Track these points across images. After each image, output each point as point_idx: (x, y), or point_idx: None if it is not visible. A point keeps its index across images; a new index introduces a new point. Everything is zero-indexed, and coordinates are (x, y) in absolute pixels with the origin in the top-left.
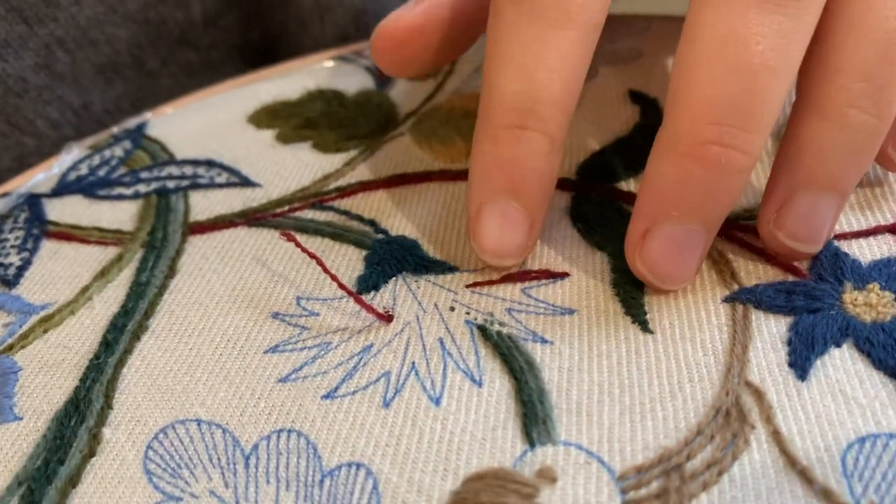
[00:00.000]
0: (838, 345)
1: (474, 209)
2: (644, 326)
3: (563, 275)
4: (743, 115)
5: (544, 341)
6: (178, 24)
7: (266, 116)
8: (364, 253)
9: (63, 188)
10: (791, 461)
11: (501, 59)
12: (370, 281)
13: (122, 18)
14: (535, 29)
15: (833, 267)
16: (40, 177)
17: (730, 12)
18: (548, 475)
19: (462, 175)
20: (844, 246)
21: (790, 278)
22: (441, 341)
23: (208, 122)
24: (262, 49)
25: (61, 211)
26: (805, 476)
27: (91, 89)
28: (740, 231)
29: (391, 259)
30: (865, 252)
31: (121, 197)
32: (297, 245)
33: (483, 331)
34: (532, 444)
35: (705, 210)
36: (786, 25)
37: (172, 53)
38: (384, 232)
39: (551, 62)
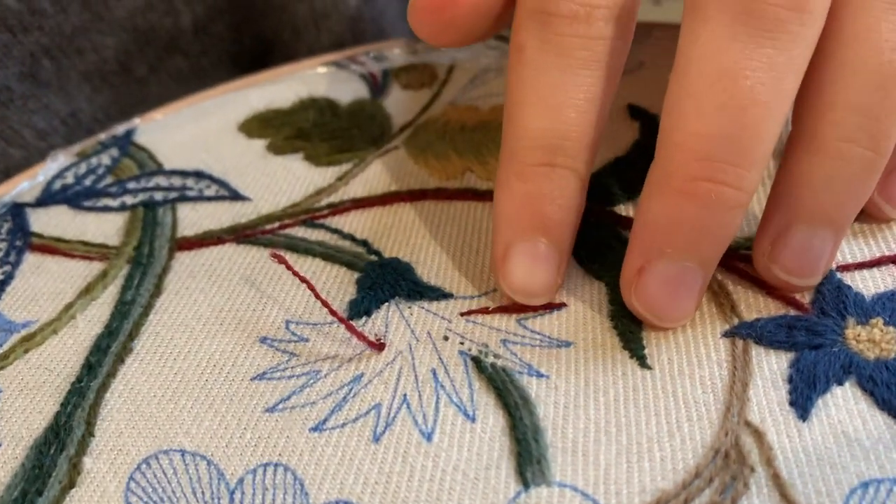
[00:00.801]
0: (840, 383)
1: (501, 249)
2: (642, 362)
3: (560, 305)
4: (734, 150)
5: (540, 375)
6: (166, 31)
7: (257, 125)
8: (356, 275)
9: (48, 198)
10: None
11: (527, 98)
12: (362, 306)
13: (108, 26)
14: (564, 69)
15: (835, 301)
16: (24, 185)
17: (719, 46)
18: None
19: (458, 195)
20: (847, 278)
21: (792, 312)
22: (434, 372)
23: (198, 130)
24: (255, 56)
25: (46, 222)
26: None
27: (78, 97)
28: (741, 261)
29: (384, 283)
30: (869, 284)
31: (107, 208)
32: (288, 268)
33: (477, 363)
34: (526, 485)
35: (700, 247)
36: (776, 58)
37: (161, 60)
38: (377, 253)
39: (580, 102)
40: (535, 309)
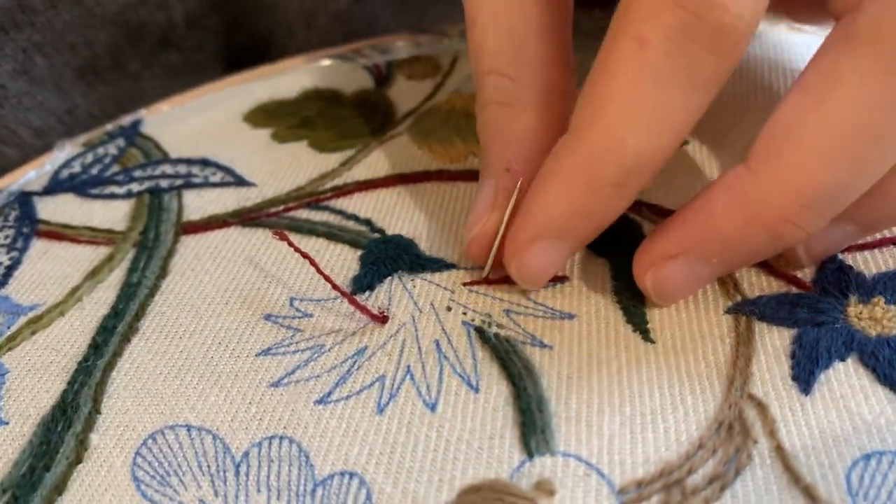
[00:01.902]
0: (843, 359)
1: (529, 235)
2: (645, 336)
3: (563, 279)
4: (828, 204)
5: (543, 346)
6: (158, 27)
7: (262, 115)
8: (359, 252)
9: (55, 186)
10: (795, 478)
11: (633, 108)
12: (365, 281)
13: (100, 21)
14: (685, 88)
15: (837, 280)
16: (31, 174)
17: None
18: (546, 487)
19: (461, 175)
20: (849, 258)
21: (794, 290)
22: (437, 343)
23: (204, 121)
24: (249, 53)
25: (52, 210)
26: (809, 493)
27: (73, 94)
28: None
29: (386, 258)
30: (870, 265)
31: (113, 196)
32: (290, 244)
33: (481, 333)
34: (530, 455)
35: (737, 261)
36: None
37: (154, 55)
38: (380, 231)
39: (680, 127)
40: None
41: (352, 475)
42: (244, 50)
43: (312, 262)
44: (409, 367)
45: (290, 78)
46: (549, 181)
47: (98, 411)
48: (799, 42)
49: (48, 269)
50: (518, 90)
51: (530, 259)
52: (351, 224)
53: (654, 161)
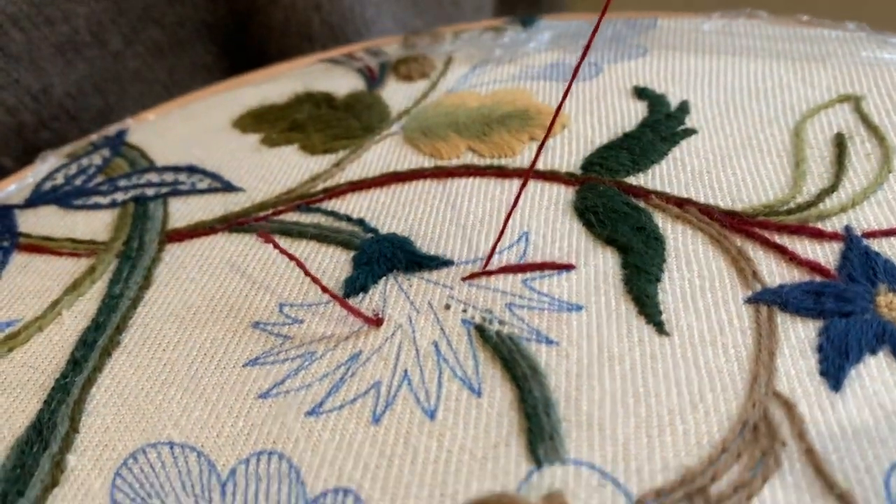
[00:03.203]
0: (874, 352)
1: None
2: (660, 328)
3: (569, 266)
4: None
5: (549, 342)
6: (140, 0)
7: (252, 121)
8: (352, 254)
9: (37, 198)
10: (829, 484)
11: None
12: (358, 282)
13: None
14: None
15: (864, 267)
16: (12, 188)
17: None
18: (557, 500)
19: (457, 172)
20: (874, 244)
21: (817, 278)
22: (436, 345)
23: (191, 129)
24: (232, 27)
25: (34, 222)
26: (845, 502)
27: (50, 72)
28: (761, 227)
29: (380, 258)
30: None
31: (97, 206)
32: (276, 246)
33: (481, 331)
34: (538, 464)
35: None
36: None
37: (136, 31)
38: (374, 231)
39: None
40: (540, 269)
41: (346, 492)
42: (227, 25)
43: (299, 264)
44: (406, 371)
45: (280, 83)
46: None
47: (76, 430)
48: (809, 36)
49: (27, 283)
50: None
51: None
52: (343, 225)
53: None
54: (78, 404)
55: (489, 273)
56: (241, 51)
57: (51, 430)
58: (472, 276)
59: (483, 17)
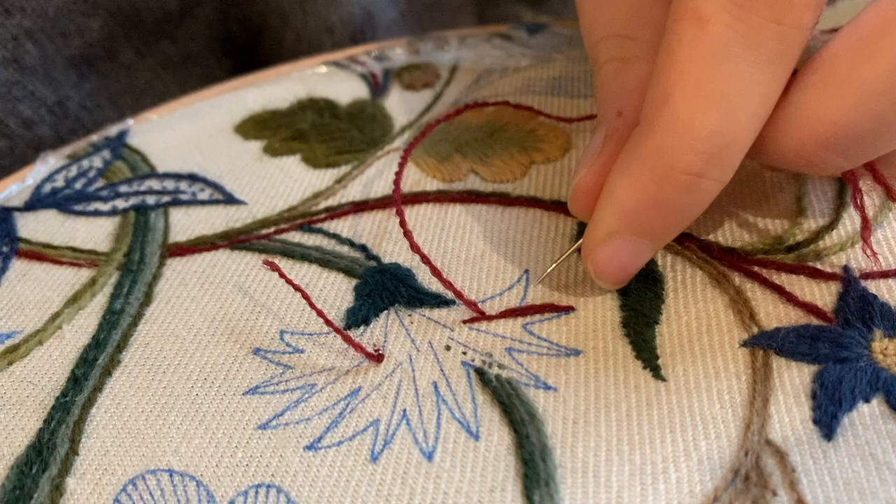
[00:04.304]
0: (867, 400)
1: (603, 233)
2: (656, 372)
3: (568, 308)
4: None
5: (547, 388)
6: (152, 14)
7: (254, 126)
8: (354, 282)
9: (37, 202)
10: None
11: (701, 86)
12: (360, 315)
13: (92, 8)
14: (751, 62)
15: (861, 311)
16: (13, 188)
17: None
18: None
19: (459, 197)
20: (872, 286)
21: (814, 321)
22: (435, 386)
23: (193, 132)
24: (244, 42)
25: (34, 227)
26: None
27: (65, 84)
28: (759, 265)
29: (383, 290)
30: (895, 294)
31: (97, 213)
32: (282, 276)
33: (481, 374)
34: None
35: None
36: None
37: (148, 45)
38: (376, 258)
39: (754, 103)
40: (540, 312)
41: None
42: (239, 41)
43: (304, 296)
44: (405, 411)
45: (283, 86)
46: (620, 173)
47: (75, 452)
48: None
49: (27, 293)
50: (636, 47)
51: (603, 257)
52: (345, 250)
53: (731, 144)
54: (78, 425)
55: (490, 318)
56: (254, 66)
57: (50, 451)
58: (473, 319)
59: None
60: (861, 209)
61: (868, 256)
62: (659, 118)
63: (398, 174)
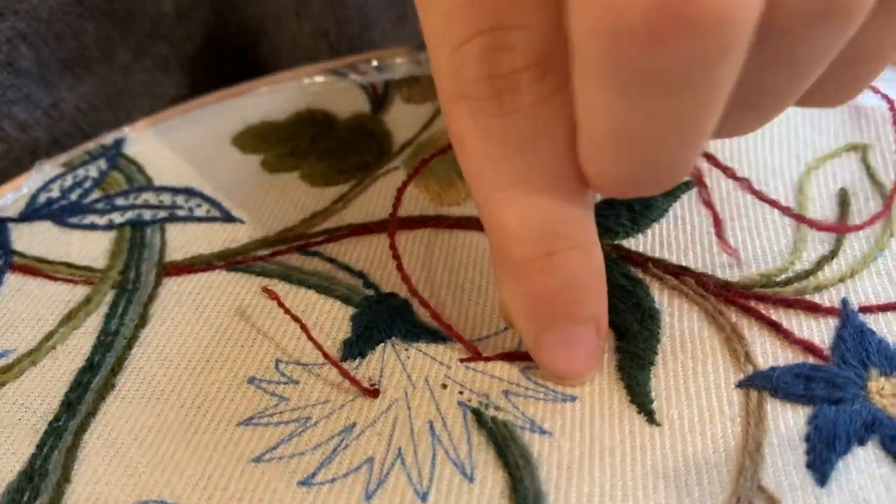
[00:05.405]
0: (862, 443)
1: (531, 339)
2: (650, 417)
3: None
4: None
5: (543, 432)
6: (148, 16)
7: (252, 139)
8: (351, 311)
9: (32, 212)
10: None
11: (491, 195)
12: (356, 347)
13: (87, 10)
14: (518, 150)
15: (857, 348)
16: (8, 197)
17: None
18: None
19: (460, 223)
20: (871, 321)
21: (810, 360)
22: (431, 425)
23: (190, 142)
24: (240, 45)
25: (29, 240)
26: None
27: (60, 86)
28: (756, 300)
29: (380, 322)
30: (894, 328)
31: (93, 226)
32: (280, 305)
33: (477, 415)
34: None
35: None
36: None
37: (144, 47)
38: (374, 287)
39: (550, 178)
40: None
41: None
42: (235, 43)
43: (303, 327)
44: (399, 449)
45: (282, 96)
46: (497, 286)
47: (68, 480)
48: None
49: (21, 310)
50: None
51: (546, 361)
52: (343, 276)
53: (559, 218)
54: (70, 451)
55: (488, 359)
56: (250, 69)
57: (42, 478)
58: (471, 359)
59: None
60: (709, 205)
61: (729, 254)
62: (486, 226)
63: (393, 215)
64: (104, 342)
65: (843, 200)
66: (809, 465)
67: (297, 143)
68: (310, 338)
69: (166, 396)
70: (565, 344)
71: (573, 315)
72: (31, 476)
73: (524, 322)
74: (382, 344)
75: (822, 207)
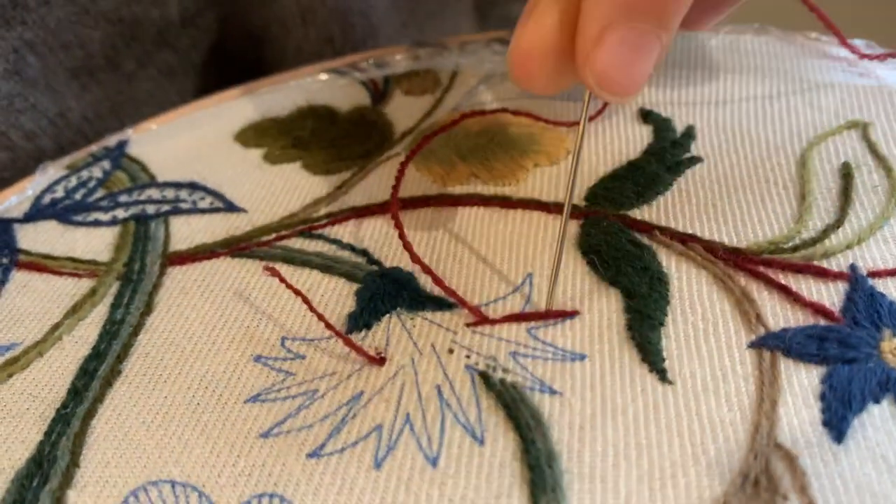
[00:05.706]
0: (877, 401)
1: (596, 29)
2: (662, 376)
3: (573, 313)
4: None
5: (553, 392)
6: (154, 24)
7: (254, 135)
8: (355, 287)
9: (36, 213)
10: None
11: None
12: (361, 319)
13: (94, 19)
14: None
15: (869, 310)
16: (13, 200)
17: None
18: None
19: (462, 200)
20: (880, 285)
21: (822, 322)
22: (438, 389)
23: (193, 140)
24: (245, 52)
25: (34, 238)
26: None
27: (66, 95)
28: (765, 266)
29: (384, 294)
30: None
31: (97, 223)
32: (282, 280)
33: (485, 378)
34: None
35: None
36: None
37: (150, 55)
38: (377, 263)
39: None
40: (544, 318)
41: None
42: (241, 50)
43: (306, 301)
44: (408, 415)
45: (283, 94)
46: None
47: (76, 465)
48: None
49: (27, 305)
50: None
51: (603, 60)
52: (347, 255)
53: None
54: (79, 437)
55: (494, 322)
56: (257, 75)
57: (51, 464)
58: (476, 322)
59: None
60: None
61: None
62: None
63: (395, 188)
64: (110, 330)
65: (847, 173)
66: (826, 423)
67: (298, 135)
68: (312, 309)
69: (173, 379)
70: (636, 48)
71: (664, 16)
72: (40, 462)
73: (607, 4)
74: (388, 315)
75: (825, 181)
